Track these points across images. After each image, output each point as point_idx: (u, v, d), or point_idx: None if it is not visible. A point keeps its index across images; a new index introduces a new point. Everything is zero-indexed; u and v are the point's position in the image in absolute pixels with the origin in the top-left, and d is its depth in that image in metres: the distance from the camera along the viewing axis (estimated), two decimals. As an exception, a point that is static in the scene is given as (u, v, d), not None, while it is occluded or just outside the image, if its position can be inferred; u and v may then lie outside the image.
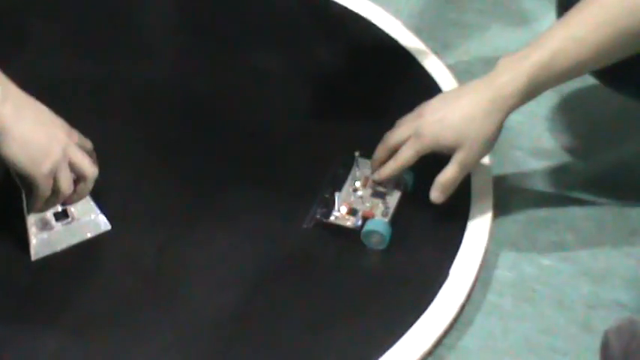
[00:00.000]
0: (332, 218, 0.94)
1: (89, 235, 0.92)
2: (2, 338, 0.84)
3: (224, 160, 1.00)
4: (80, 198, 0.90)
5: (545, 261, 0.95)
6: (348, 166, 0.97)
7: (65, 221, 0.91)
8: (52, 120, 0.87)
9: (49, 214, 0.90)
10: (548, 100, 1.10)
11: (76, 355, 0.83)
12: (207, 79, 1.09)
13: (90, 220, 0.92)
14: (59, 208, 0.91)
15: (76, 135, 0.89)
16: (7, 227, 0.91)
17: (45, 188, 0.86)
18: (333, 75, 1.11)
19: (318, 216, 0.94)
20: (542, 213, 0.99)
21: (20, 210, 0.89)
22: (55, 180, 0.86)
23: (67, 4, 1.16)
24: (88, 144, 0.91)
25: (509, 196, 1.00)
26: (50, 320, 0.85)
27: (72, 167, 0.87)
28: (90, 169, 0.89)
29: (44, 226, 0.90)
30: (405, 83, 1.10)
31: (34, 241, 0.90)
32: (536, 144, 1.07)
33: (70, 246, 0.91)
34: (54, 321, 0.85)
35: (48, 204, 0.89)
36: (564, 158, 1.05)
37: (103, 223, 0.93)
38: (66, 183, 0.87)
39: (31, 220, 0.89)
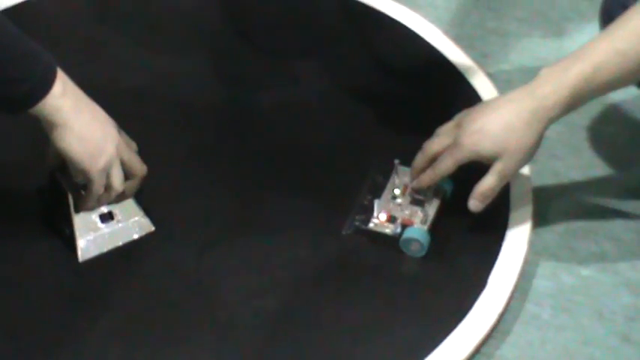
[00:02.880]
0: (371, 225, 0.94)
1: (135, 237, 0.93)
2: (49, 338, 0.85)
3: (264, 167, 1.01)
4: (128, 197, 0.92)
5: (585, 271, 0.95)
6: (387, 174, 0.98)
7: (111, 223, 0.93)
8: (104, 117, 0.88)
9: (94, 216, 0.92)
10: (589, 110, 1.09)
11: (119, 354, 0.85)
12: (249, 87, 1.10)
13: (135, 221, 0.94)
14: (104, 210, 0.92)
15: (124, 134, 0.91)
16: (54, 230, 0.93)
17: (99, 184, 0.88)
18: (373, 83, 1.12)
19: (357, 223, 0.95)
20: (582, 223, 0.99)
21: (66, 213, 0.91)
22: (108, 176, 0.88)
23: (114, 9, 1.18)
24: (134, 145, 0.92)
25: (548, 206, 1.00)
26: (94, 320, 0.87)
27: (122, 165, 0.89)
28: (140, 167, 0.91)
29: (91, 228, 0.92)
30: (444, 92, 1.10)
31: (81, 243, 0.91)
32: (576, 154, 1.07)
33: (116, 247, 0.92)
34: (98, 321, 0.87)
35: (99, 201, 0.90)
36: (604, 169, 1.05)
37: (147, 225, 0.94)
38: (118, 179, 0.89)
39: (78, 222, 0.91)
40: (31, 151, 0.95)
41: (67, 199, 0.90)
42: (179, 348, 0.85)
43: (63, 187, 0.90)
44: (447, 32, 1.18)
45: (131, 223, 0.93)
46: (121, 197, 0.92)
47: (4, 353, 0.84)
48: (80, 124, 0.85)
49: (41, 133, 0.86)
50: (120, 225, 0.93)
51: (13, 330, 0.86)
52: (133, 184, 0.92)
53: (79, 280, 0.90)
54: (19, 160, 0.99)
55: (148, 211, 0.94)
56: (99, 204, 0.91)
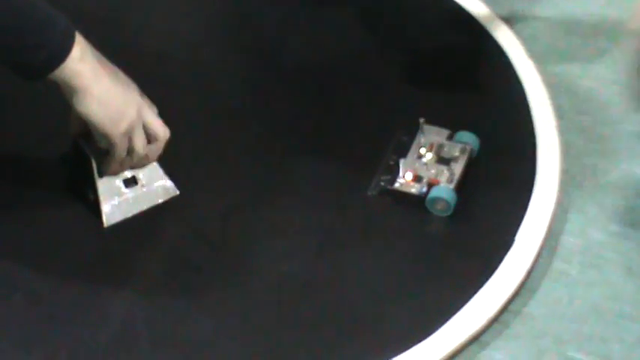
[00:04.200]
0: (397, 185, 0.94)
1: (160, 201, 0.93)
2: (74, 303, 0.86)
3: (288, 129, 1.01)
4: (151, 160, 0.92)
5: (614, 227, 0.94)
6: (412, 133, 0.97)
7: (135, 187, 0.92)
8: (126, 80, 0.88)
9: (118, 181, 0.92)
10: (619, 64, 1.08)
11: (144, 319, 0.85)
12: (272, 49, 1.09)
13: (159, 185, 0.93)
14: (128, 175, 0.92)
15: (146, 98, 0.90)
16: (79, 196, 0.93)
17: (122, 148, 0.87)
18: (396, 42, 1.10)
19: (382, 183, 0.94)
20: (611, 179, 0.98)
21: (90, 178, 0.91)
22: (130, 140, 0.88)
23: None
24: (155, 108, 0.92)
25: (576, 162, 0.99)
26: (120, 285, 0.87)
27: (145, 128, 0.88)
28: (163, 130, 0.90)
29: (115, 193, 0.92)
30: (469, 49, 1.09)
31: (106, 208, 0.91)
32: (604, 109, 1.05)
33: (140, 212, 0.92)
34: (123, 286, 0.87)
35: (122, 165, 0.90)
36: (634, 124, 1.03)
37: (171, 189, 0.94)
38: (141, 143, 0.88)
39: (102, 187, 0.91)
40: (53, 118, 0.95)
41: (90, 164, 0.90)
42: (204, 313, 0.85)
43: (86, 152, 0.90)
44: (471, -11, 1.16)
45: (155, 188, 0.93)
46: (144, 161, 0.91)
47: (30, 319, 0.85)
48: (100, 88, 0.84)
49: (63, 99, 0.86)
50: (144, 189, 0.93)
51: (39, 296, 0.86)
52: (157, 147, 0.91)
53: (105, 245, 0.90)
54: (42, 127, 1.00)
55: (173, 175, 0.94)
56: (122, 168, 0.91)
